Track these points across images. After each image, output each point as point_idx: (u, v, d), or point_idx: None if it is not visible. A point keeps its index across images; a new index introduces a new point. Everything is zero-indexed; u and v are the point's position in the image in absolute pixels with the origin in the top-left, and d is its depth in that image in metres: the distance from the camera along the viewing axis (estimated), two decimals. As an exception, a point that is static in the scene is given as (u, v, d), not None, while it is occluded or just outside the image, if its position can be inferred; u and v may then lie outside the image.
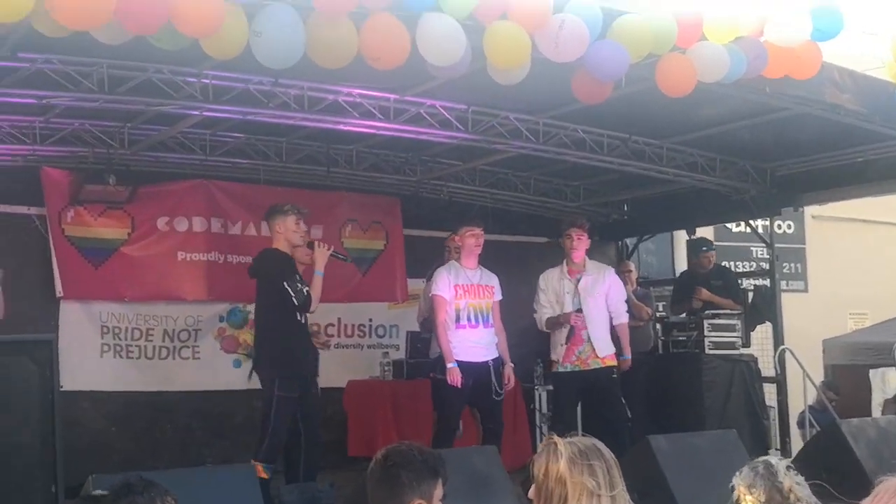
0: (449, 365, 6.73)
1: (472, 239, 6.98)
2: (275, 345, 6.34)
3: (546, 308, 7.38)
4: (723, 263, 10.06)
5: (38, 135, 7.33)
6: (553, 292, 7.37)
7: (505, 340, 7.13)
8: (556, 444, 2.67)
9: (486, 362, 6.94)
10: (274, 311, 6.36)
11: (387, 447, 3.03)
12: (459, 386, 6.71)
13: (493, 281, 7.13)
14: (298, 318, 6.35)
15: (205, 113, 6.66)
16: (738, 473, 2.81)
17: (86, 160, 7.69)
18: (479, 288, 7.02)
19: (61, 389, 6.44)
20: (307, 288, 6.33)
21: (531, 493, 2.74)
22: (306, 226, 6.76)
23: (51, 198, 8.00)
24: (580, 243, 7.37)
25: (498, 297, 7.12)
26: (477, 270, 7.08)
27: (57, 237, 8.03)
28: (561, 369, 7.31)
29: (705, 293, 9.04)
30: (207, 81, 6.18)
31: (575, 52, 5.01)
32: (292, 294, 6.24)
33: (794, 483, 2.74)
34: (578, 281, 7.36)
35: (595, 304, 7.33)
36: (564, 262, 7.46)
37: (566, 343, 7.25)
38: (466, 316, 6.93)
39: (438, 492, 2.92)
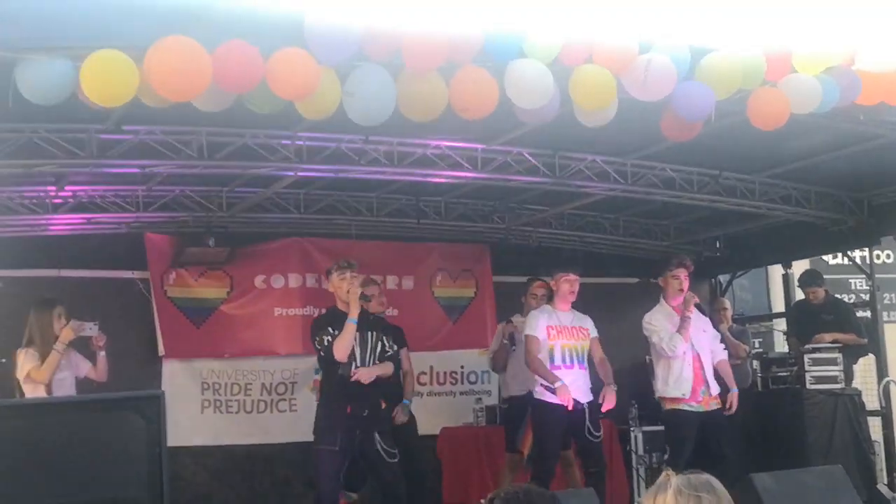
0: (557, 384, 6.70)
1: (567, 285, 6.98)
2: (320, 401, 6.49)
3: (668, 335, 7.09)
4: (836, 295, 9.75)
5: (141, 202, 7.63)
6: (665, 331, 7.15)
7: (608, 365, 7.09)
8: (668, 476, 2.67)
9: (582, 404, 6.88)
10: (320, 368, 6.55)
11: (498, 489, 3.03)
12: (570, 406, 6.66)
13: (587, 322, 7.11)
14: (339, 371, 6.24)
15: (299, 174, 6.86)
16: None
17: (186, 224, 7.98)
18: (574, 330, 7.01)
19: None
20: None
21: None
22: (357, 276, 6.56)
23: (153, 261, 8.31)
24: (686, 283, 7.24)
25: (594, 334, 7.11)
26: (569, 313, 7.08)
27: (159, 299, 8.32)
28: (686, 408, 7.09)
29: (827, 337, 8.75)
30: (301, 143, 6.37)
31: (662, 91, 5.01)
32: (318, 349, 6.33)
33: None
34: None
35: (705, 343, 7.22)
36: (665, 302, 7.28)
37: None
38: (561, 357, 6.92)
39: None
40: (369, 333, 6.41)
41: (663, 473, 2.77)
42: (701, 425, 7.12)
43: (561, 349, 6.93)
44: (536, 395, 6.96)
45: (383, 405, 6.46)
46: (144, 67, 4.26)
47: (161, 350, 8.31)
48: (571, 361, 6.94)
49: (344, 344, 6.19)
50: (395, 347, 6.61)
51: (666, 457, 7.55)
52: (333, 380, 6.26)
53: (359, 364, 6.27)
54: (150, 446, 3.86)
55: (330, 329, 6.28)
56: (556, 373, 6.85)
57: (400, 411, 7.41)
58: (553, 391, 6.73)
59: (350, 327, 6.18)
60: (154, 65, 4.24)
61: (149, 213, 7.74)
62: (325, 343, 6.27)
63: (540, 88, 4.91)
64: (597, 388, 7.07)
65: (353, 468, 7.06)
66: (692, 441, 7.16)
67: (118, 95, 4.41)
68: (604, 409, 6.97)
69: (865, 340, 8.88)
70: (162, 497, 3.81)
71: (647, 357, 9.10)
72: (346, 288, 6.31)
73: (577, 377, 6.94)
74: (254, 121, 5.85)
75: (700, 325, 7.36)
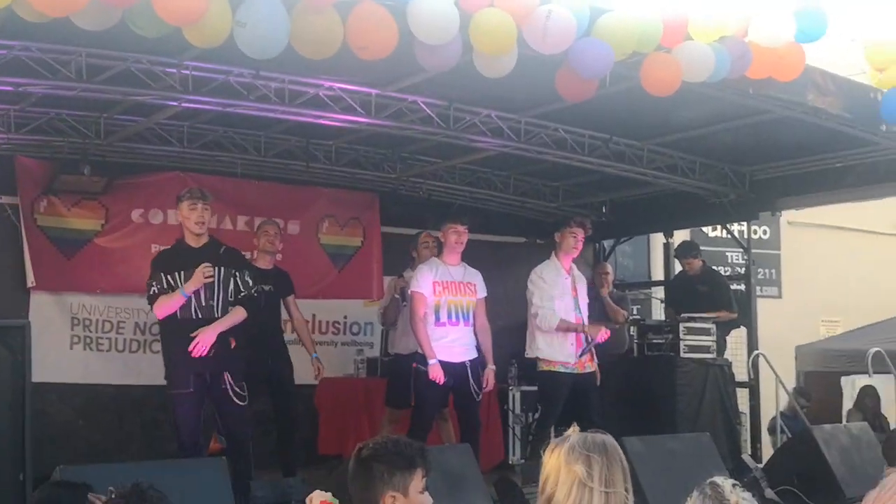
0: (431, 362, 6.66)
1: (455, 236, 6.92)
2: (163, 344, 6.35)
3: (549, 306, 7.22)
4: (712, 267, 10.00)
5: (13, 123, 7.21)
6: (554, 289, 7.24)
7: (490, 339, 7.07)
8: (573, 431, 2.71)
9: (464, 363, 6.86)
10: None
11: (365, 441, 2.99)
12: (441, 382, 6.65)
13: (477, 278, 7.06)
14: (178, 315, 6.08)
15: (183, 104, 6.56)
16: (688, 498, 2.81)
17: (61, 150, 7.60)
18: (462, 285, 6.94)
19: (30, 380, 6.39)
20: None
21: None
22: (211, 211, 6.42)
23: (24, 187, 7.91)
24: (581, 244, 7.38)
25: (482, 294, 7.05)
26: (459, 267, 7.02)
27: (29, 227, 7.93)
28: (562, 370, 7.22)
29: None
30: (187, 72, 6.08)
31: (561, 44, 4.99)
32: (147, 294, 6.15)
33: (741, 500, 2.74)
34: (574, 281, 7.36)
35: (586, 309, 7.37)
36: (557, 259, 7.38)
37: (585, 347, 7.23)
38: (446, 313, 6.85)
39: (417, 483, 2.87)
40: (220, 270, 6.12)
41: (571, 428, 2.80)
42: (573, 387, 7.24)
43: (447, 306, 6.86)
44: (419, 351, 6.91)
45: (233, 344, 6.12)
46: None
47: (31, 281, 7.94)
48: (457, 318, 6.89)
49: (165, 307, 6.01)
50: (251, 285, 6.24)
51: (536, 415, 7.66)
52: (174, 322, 6.05)
53: (203, 303, 6.04)
54: (13, 378, 3.66)
55: (163, 276, 6.05)
56: (441, 330, 6.82)
57: (319, 365, 7.47)
58: (425, 364, 6.69)
59: (179, 299, 5.98)
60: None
61: (20, 135, 7.31)
62: (152, 292, 6.06)
63: (442, 23, 4.81)
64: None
65: None
66: (562, 403, 7.29)
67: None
68: (485, 390, 7.00)
69: (735, 314, 9.16)
70: (23, 429, 3.63)
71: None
72: (194, 219, 6.11)
73: (462, 335, 6.91)
74: (138, 45, 5.56)
75: (584, 291, 7.50)
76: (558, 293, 7.28)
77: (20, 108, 7.07)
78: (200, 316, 6.05)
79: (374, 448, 2.91)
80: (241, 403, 6.13)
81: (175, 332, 6.05)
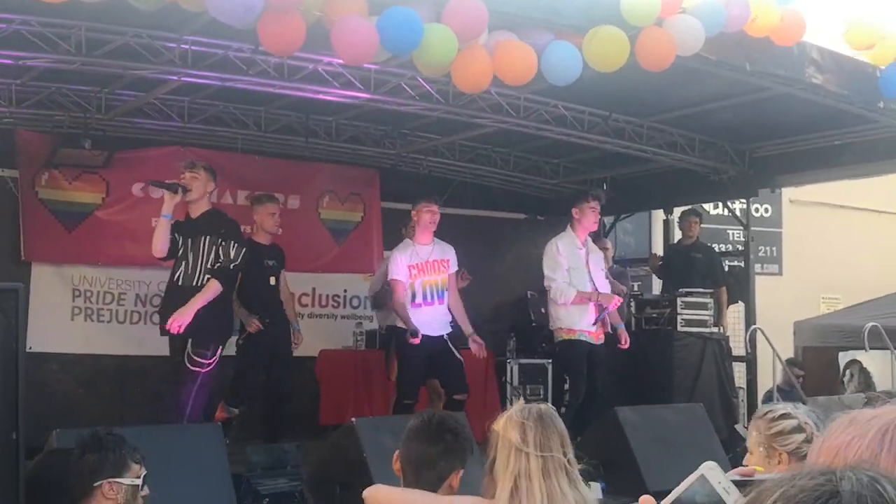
0: (415, 338, 6.84)
1: (429, 215, 7.05)
2: None
3: (564, 279, 7.30)
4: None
5: (15, 97, 7.26)
6: (570, 263, 7.33)
7: (462, 308, 7.26)
8: (520, 403, 2.82)
9: (442, 335, 7.10)
10: None
11: (435, 411, 3.16)
12: (419, 340, 6.81)
13: (449, 253, 7.21)
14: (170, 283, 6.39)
15: (183, 79, 6.59)
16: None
17: (62, 124, 7.62)
18: (435, 264, 7.11)
19: (30, 350, 6.47)
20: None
21: None
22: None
23: (25, 160, 7.94)
24: (597, 217, 7.44)
25: (453, 268, 7.21)
26: (431, 246, 7.14)
27: (29, 199, 7.97)
28: (582, 338, 7.33)
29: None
30: (187, 47, 6.11)
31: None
32: None
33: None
34: (587, 253, 7.42)
35: (602, 281, 7.45)
36: (573, 232, 7.46)
37: (599, 315, 7.35)
38: (422, 294, 7.08)
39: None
40: (203, 239, 6.26)
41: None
42: (588, 356, 7.34)
43: (422, 286, 7.07)
44: (399, 325, 7.12)
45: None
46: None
47: (23, 253, 7.98)
48: (432, 297, 7.12)
49: (154, 239, 6.34)
50: (233, 257, 6.31)
51: (567, 387, 7.72)
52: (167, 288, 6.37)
53: (189, 271, 6.23)
54: (5, 340, 3.70)
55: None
56: (418, 311, 7.02)
57: (299, 336, 7.54)
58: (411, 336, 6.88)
59: (162, 223, 6.29)
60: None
61: (22, 108, 7.37)
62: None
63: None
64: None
65: (237, 384, 7.03)
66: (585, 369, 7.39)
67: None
68: (478, 356, 7.17)
69: (724, 288, 9.24)
70: (17, 392, 3.68)
71: (529, 292, 9.28)
72: (193, 187, 6.38)
73: (437, 312, 7.14)
74: (137, 20, 5.60)
75: (598, 263, 7.57)
76: (573, 266, 7.36)
77: (21, 83, 7.11)
78: (181, 283, 6.25)
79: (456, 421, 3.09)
80: (195, 371, 6.18)
81: (164, 298, 6.36)
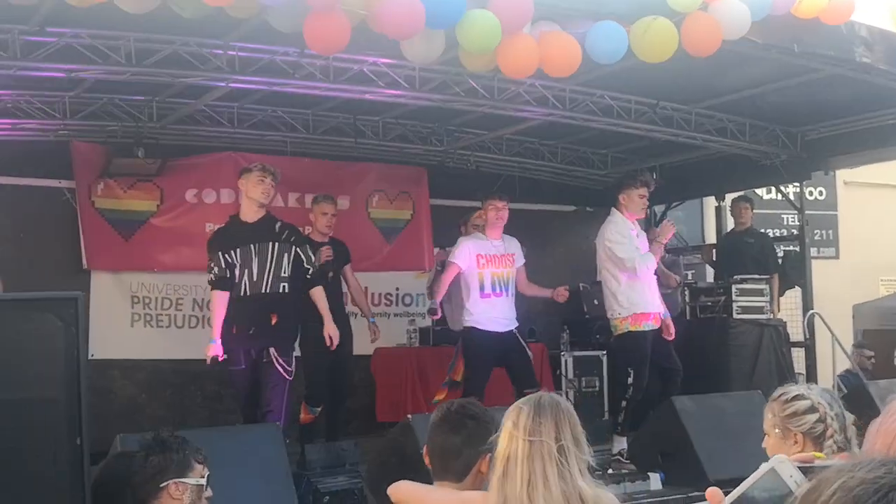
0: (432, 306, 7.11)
1: (494, 212, 7.05)
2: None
3: (636, 254, 6.99)
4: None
5: (69, 109, 7.43)
6: (634, 249, 7.02)
7: (535, 287, 7.41)
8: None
9: (511, 330, 7.10)
10: None
11: (455, 400, 3.19)
12: (438, 316, 7.14)
13: (515, 247, 7.22)
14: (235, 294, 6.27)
15: (231, 84, 6.69)
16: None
17: (115, 134, 7.78)
18: (503, 258, 7.12)
19: (92, 358, 6.61)
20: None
21: None
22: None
23: (80, 171, 8.12)
24: (645, 204, 7.25)
25: (520, 262, 7.23)
26: (500, 241, 7.16)
27: (86, 209, 8.14)
28: (647, 328, 7.04)
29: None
30: (234, 53, 6.19)
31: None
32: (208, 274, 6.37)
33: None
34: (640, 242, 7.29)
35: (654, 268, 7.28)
36: (626, 217, 7.09)
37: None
38: (491, 285, 7.05)
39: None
40: (270, 245, 6.28)
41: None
42: (653, 343, 7.17)
43: (491, 278, 7.06)
44: (466, 324, 7.08)
45: (274, 320, 6.23)
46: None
47: (84, 262, 8.16)
48: (500, 290, 7.10)
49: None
50: (313, 259, 6.44)
51: (630, 380, 7.39)
52: (229, 302, 6.25)
53: (255, 279, 6.20)
54: (67, 347, 3.79)
55: (220, 255, 6.22)
56: (486, 302, 7.02)
57: (376, 329, 7.66)
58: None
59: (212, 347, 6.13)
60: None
61: (76, 120, 7.54)
62: (211, 278, 6.27)
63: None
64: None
65: (316, 385, 7.08)
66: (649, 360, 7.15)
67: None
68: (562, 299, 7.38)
69: (775, 276, 9.12)
70: (80, 398, 3.77)
71: (581, 284, 9.24)
72: (261, 190, 6.26)
73: (505, 304, 7.12)
74: (184, 28, 5.69)
75: (644, 245, 7.41)
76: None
77: (75, 94, 7.26)
78: (249, 293, 6.23)
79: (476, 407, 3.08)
80: (286, 377, 6.25)
81: (228, 311, 6.25)
